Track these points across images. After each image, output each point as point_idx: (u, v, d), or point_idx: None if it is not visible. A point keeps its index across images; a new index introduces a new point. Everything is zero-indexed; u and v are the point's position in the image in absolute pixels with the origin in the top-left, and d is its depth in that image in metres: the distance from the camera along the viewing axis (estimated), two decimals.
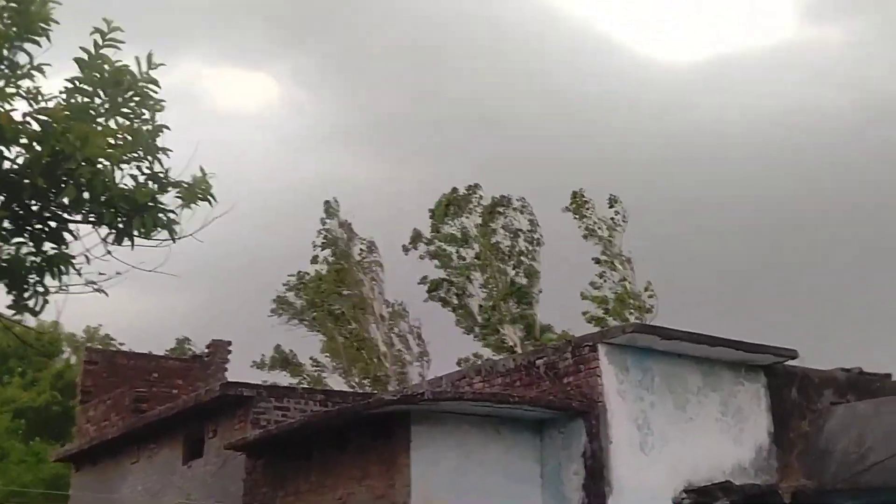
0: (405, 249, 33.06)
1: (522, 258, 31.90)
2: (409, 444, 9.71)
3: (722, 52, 50.88)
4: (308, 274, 34.68)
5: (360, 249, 34.65)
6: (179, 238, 6.42)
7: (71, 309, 7.16)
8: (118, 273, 6.47)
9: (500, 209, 32.81)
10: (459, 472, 9.80)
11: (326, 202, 35.12)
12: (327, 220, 34.99)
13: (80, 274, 6.29)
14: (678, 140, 41.81)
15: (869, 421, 10.39)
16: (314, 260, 34.54)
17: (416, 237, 33.00)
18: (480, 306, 31.85)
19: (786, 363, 11.13)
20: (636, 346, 10.33)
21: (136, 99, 6.24)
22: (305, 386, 27.66)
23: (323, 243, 34.90)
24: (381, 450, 10.05)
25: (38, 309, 6.26)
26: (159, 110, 6.26)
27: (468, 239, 32.70)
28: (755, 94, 45.94)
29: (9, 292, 6.22)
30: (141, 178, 6.44)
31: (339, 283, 33.97)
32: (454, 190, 32.85)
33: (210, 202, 6.21)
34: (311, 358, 34.36)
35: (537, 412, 10.11)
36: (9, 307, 6.35)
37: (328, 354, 33.98)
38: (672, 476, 10.05)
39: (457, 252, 32.78)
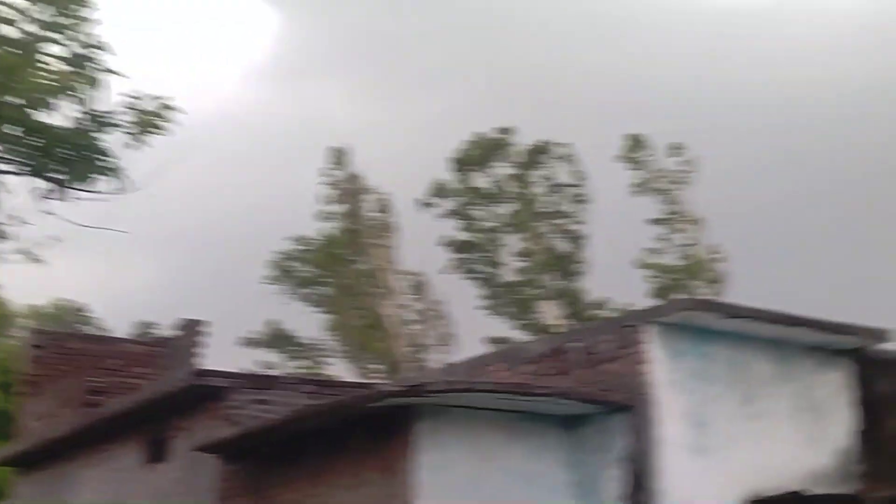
0: (422, 205, 33.04)
1: (564, 220, 31.91)
2: (413, 444, 9.89)
3: None
4: (309, 239, 34.71)
5: (375, 207, 34.65)
6: (131, 191, 6.53)
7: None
8: (53, 237, 6.63)
9: (540, 157, 32.73)
10: (475, 478, 9.97)
11: (334, 148, 35.09)
12: (333, 170, 34.88)
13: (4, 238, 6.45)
14: (749, 82, 41.51)
15: None
16: (319, 217, 34.56)
17: (439, 190, 32.92)
18: (514, 280, 31.88)
19: (877, 347, 11.17)
20: (693, 326, 10.38)
21: (71, 17, 6.26)
22: (294, 373, 28.00)
23: (329, 198, 34.83)
24: (381, 452, 10.25)
25: None
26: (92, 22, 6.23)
27: (500, 194, 32.64)
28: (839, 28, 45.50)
29: None
30: (79, 117, 6.51)
31: (350, 249, 34.10)
32: (481, 134, 32.74)
33: (162, 128, 6.23)
34: (311, 338, 34.60)
35: (570, 406, 10.25)
36: None
37: (335, 334, 34.15)
38: (734, 484, 10.12)
39: (487, 211, 32.74)
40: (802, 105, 39.96)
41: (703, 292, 29.25)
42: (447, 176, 32.98)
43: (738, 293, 27.31)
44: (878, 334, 11.06)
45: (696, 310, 10.40)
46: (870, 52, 42.64)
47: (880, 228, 37.47)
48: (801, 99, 40.44)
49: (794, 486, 10.37)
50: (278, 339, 34.85)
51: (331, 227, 34.57)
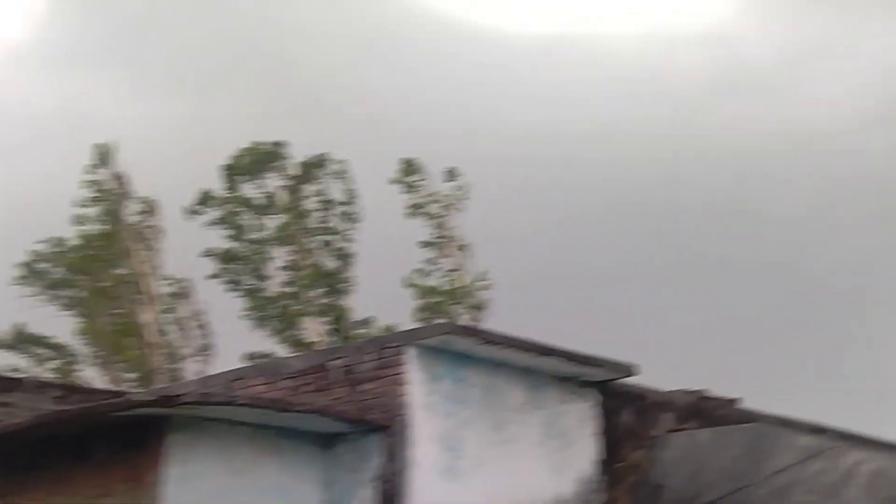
0: (189, 212, 32.56)
1: (333, 237, 32.11)
2: (163, 456, 9.71)
3: (576, 27, 52.56)
4: (64, 239, 33.54)
5: (138, 210, 33.80)
6: None
7: None
8: None
9: (314, 172, 32.85)
10: (225, 494, 9.85)
11: (99, 145, 34.06)
12: (96, 168, 33.87)
13: None
14: (522, 112, 42.99)
15: (707, 453, 11.16)
16: (78, 216, 33.45)
17: (206, 198, 32.54)
18: (279, 294, 31.78)
19: (622, 381, 11.74)
20: (451, 351, 10.62)
21: None
22: (41, 377, 26.93)
23: (94, 198, 33.80)
24: (129, 462, 9.98)
25: None
26: None
27: (270, 206, 32.55)
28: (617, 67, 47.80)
29: None
30: None
31: (108, 252, 33.14)
32: (255, 142, 32.61)
33: None
34: (62, 343, 33.39)
35: (326, 424, 10.29)
36: None
37: (87, 339, 33.09)
38: None
39: (257, 222, 32.57)
40: (572, 140, 41.62)
41: (465, 318, 29.98)
42: (217, 183, 32.63)
43: (500, 320, 28.07)
44: (624, 368, 11.60)
45: (454, 334, 10.62)
46: (640, 98, 44.90)
47: (646, 263, 39.48)
48: (571, 134, 42.14)
49: None
50: (24, 342, 33.39)
51: (90, 228, 33.49)
